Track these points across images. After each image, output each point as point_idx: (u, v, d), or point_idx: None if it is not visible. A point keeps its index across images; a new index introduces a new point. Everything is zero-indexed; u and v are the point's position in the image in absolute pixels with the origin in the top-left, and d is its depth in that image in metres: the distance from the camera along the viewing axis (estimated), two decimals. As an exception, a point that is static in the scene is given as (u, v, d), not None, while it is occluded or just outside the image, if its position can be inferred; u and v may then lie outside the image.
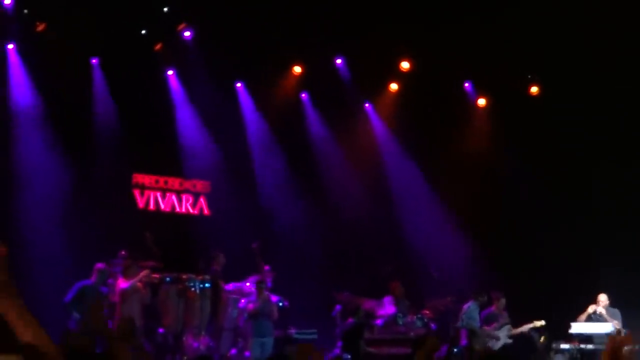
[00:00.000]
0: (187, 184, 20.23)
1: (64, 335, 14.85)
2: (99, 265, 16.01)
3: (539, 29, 19.15)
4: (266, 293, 17.02)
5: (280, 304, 17.66)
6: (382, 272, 19.73)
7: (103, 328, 14.12)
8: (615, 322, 17.63)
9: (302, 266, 20.06)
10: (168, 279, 16.67)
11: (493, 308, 18.72)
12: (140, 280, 16.09)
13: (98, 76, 19.10)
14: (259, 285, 17.02)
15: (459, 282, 19.75)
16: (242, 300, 17.25)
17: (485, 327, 18.44)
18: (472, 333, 17.86)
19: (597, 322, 17.74)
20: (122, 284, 16.05)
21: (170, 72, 19.97)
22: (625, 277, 19.16)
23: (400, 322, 18.39)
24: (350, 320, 18.16)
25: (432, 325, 18.49)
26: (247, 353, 16.93)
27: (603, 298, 18.00)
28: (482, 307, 18.67)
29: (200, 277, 16.84)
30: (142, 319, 16.11)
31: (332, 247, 21.04)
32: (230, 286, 17.50)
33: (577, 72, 19.78)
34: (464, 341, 18.05)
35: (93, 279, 15.93)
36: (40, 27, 17.98)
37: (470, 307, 18.31)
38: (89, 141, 18.94)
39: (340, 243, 21.14)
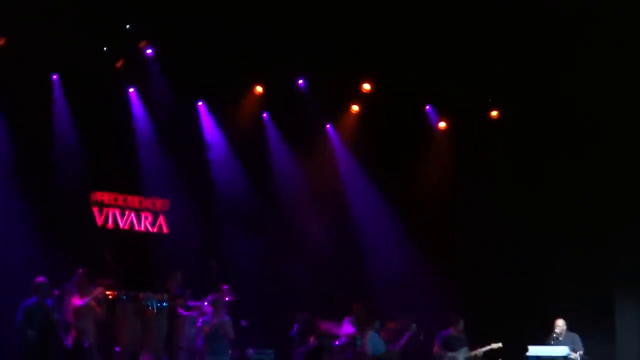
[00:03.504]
0: (147, 202, 20.11)
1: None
2: (38, 280, 15.74)
3: (499, 52, 19.34)
4: (222, 312, 16.89)
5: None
6: (341, 294, 19.73)
7: None
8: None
9: (260, 286, 19.99)
10: (125, 297, 16.55)
11: (451, 330, 18.71)
12: (94, 299, 15.91)
13: (58, 92, 18.98)
14: (214, 304, 16.86)
15: (418, 304, 19.79)
16: (200, 320, 17.14)
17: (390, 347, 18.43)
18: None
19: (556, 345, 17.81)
20: (76, 301, 15.87)
21: (131, 90, 19.88)
22: (582, 302, 19.34)
23: (359, 344, 18.35)
24: (312, 341, 18.10)
25: (391, 346, 18.47)
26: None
27: (560, 322, 18.03)
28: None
29: (157, 296, 16.73)
30: (97, 337, 15.97)
31: (291, 268, 20.97)
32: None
33: (536, 96, 19.98)
34: None
35: (34, 295, 15.64)
36: (0, 42, 17.85)
37: (369, 339, 18.23)
38: (48, 157, 18.78)
39: (299, 264, 21.05)
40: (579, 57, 18.97)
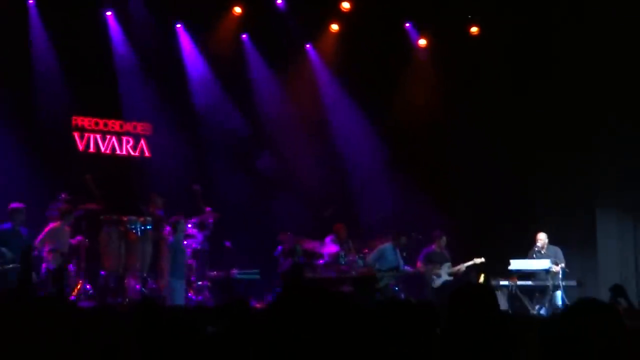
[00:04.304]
0: (128, 126, 20.05)
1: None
2: (13, 205, 15.71)
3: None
4: (181, 235, 16.93)
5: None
6: (324, 214, 19.79)
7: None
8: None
9: (244, 207, 20.05)
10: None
11: (434, 247, 18.87)
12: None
13: (35, 17, 18.82)
14: (173, 225, 16.90)
15: (400, 222, 19.86)
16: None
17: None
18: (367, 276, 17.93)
19: (537, 259, 17.97)
20: (52, 223, 15.94)
21: (108, 13, 19.70)
22: (563, 216, 19.48)
23: (343, 262, 18.49)
24: (289, 260, 18.17)
25: (407, 267, 18.58)
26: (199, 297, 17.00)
27: (542, 236, 18.19)
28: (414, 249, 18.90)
29: (141, 219, 16.77)
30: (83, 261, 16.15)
31: (274, 188, 21.00)
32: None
33: (516, 12, 19.86)
34: None
35: (10, 221, 15.67)
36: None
37: (382, 248, 18.37)
38: (27, 83, 18.68)
39: (281, 184, 21.08)
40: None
